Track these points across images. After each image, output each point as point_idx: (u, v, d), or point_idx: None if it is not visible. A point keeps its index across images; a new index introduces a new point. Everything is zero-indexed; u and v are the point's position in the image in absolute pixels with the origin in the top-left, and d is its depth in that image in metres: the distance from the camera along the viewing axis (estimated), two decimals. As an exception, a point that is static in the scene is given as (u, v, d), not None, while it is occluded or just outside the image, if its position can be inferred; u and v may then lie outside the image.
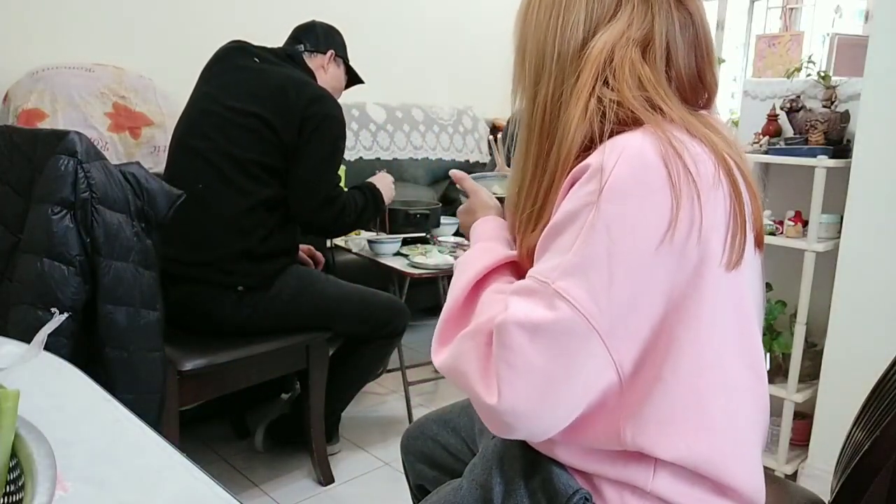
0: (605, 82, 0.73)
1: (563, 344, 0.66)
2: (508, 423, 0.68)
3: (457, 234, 2.49)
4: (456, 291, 0.80)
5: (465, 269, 0.82)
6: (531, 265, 0.74)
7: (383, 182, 2.09)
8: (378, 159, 3.09)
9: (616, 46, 0.74)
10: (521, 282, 0.72)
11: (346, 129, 1.97)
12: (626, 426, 0.71)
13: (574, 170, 0.71)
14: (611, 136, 0.71)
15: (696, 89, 0.77)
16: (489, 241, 0.89)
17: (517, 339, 0.66)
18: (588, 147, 0.73)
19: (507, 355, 0.67)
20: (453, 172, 1.09)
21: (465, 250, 1.24)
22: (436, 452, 1.13)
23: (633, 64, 0.73)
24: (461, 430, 1.11)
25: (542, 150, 0.78)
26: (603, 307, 0.65)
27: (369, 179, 2.09)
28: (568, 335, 0.66)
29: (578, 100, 0.74)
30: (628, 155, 0.67)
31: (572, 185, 0.70)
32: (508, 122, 2.20)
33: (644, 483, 0.74)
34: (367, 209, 1.99)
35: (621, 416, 0.71)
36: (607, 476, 0.75)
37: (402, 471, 1.21)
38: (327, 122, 1.84)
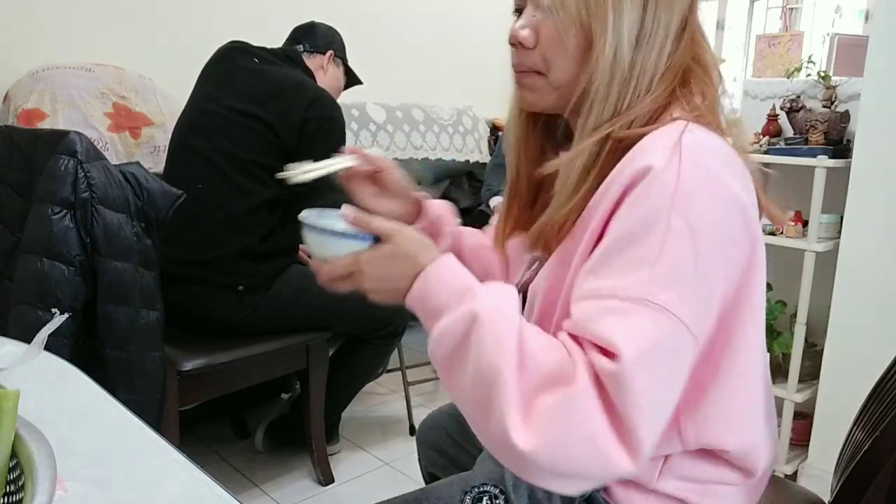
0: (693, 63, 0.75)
1: (673, 362, 0.62)
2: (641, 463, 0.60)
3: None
4: (508, 356, 0.62)
5: (499, 325, 0.64)
6: (548, 246, 0.75)
7: None
8: (378, 159, 3.08)
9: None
10: (597, 305, 0.63)
11: (346, 129, 1.98)
12: (688, 425, 0.71)
13: (626, 173, 0.66)
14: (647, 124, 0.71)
15: None
16: (476, 283, 0.70)
17: (639, 377, 0.58)
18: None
19: (633, 398, 0.58)
20: (306, 235, 0.76)
21: None
22: (447, 444, 1.14)
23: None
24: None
25: (601, 116, 0.73)
26: (697, 312, 0.63)
27: None
28: (676, 352, 0.63)
29: (670, 74, 0.74)
30: (694, 152, 0.65)
31: (625, 190, 0.66)
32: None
33: (648, 481, 0.74)
34: None
35: (682, 416, 0.71)
36: None
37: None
38: (328, 123, 1.85)
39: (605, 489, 0.76)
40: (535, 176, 0.84)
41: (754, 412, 0.75)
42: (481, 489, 0.78)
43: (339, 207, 0.77)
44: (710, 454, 0.75)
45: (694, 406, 0.70)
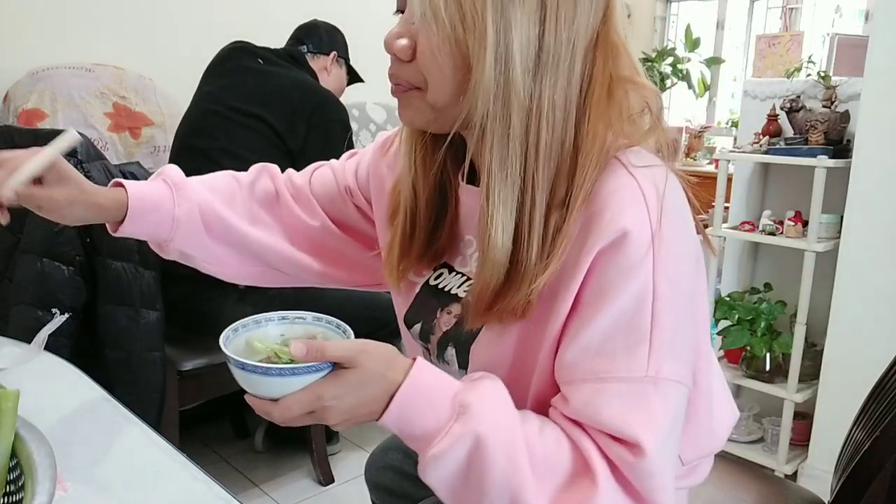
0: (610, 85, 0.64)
1: (680, 421, 0.63)
2: None
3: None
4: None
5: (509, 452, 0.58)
6: (504, 320, 0.66)
7: None
8: (378, 159, 3.09)
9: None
10: (601, 390, 0.60)
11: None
12: (684, 445, 0.71)
13: (595, 237, 0.60)
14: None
15: None
16: (462, 391, 0.61)
17: (662, 462, 0.59)
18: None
19: (659, 482, 0.58)
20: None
21: None
22: (401, 484, 1.03)
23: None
24: None
25: (545, 173, 0.62)
26: (689, 364, 0.64)
27: None
28: (682, 410, 0.63)
29: (599, 98, 0.63)
30: (657, 205, 0.61)
31: (599, 255, 0.60)
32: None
33: None
34: None
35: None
36: None
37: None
38: (332, 126, 1.85)
39: None
40: (435, 204, 0.73)
41: (718, 404, 0.78)
42: None
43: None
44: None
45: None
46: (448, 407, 0.59)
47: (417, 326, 0.79)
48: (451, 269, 0.77)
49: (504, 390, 0.62)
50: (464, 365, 0.73)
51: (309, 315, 0.68)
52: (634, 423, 0.58)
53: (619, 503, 0.58)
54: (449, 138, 0.67)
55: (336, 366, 0.59)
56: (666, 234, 0.60)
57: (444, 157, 0.71)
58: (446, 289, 0.76)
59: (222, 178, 0.91)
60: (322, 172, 0.93)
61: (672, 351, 0.61)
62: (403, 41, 0.64)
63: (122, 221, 0.81)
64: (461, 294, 0.74)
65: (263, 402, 0.59)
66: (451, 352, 0.75)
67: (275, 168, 0.95)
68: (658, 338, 0.60)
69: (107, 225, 0.83)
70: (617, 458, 0.58)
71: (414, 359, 0.62)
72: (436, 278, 0.77)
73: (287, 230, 0.91)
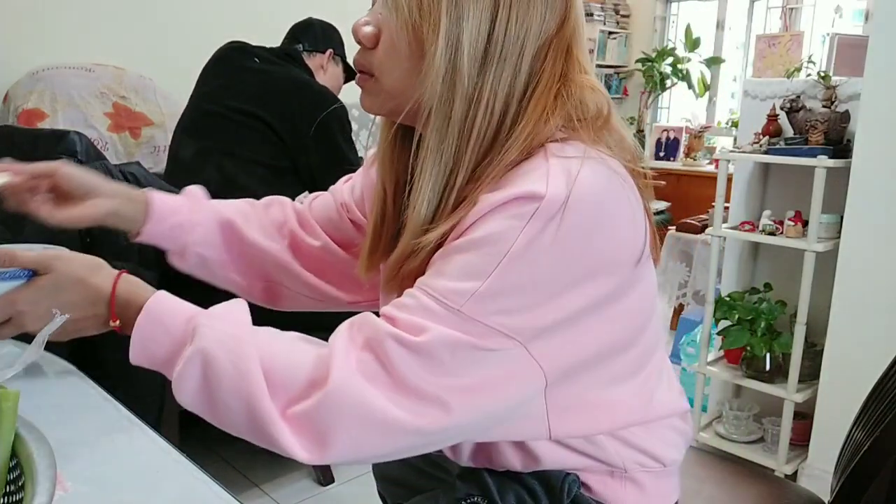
0: (564, 78, 0.66)
1: (487, 366, 0.61)
2: None
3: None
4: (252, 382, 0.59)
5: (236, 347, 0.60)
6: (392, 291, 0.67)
7: None
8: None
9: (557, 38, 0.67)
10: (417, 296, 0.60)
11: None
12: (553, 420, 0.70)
13: (494, 198, 0.60)
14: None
15: None
16: (196, 313, 0.64)
17: (443, 353, 0.59)
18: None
19: (431, 367, 0.59)
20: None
21: None
22: (407, 475, 1.02)
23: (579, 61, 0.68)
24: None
25: (473, 156, 0.65)
26: (521, 328, 0.62)
27: None
28: (496, 361, 0.61)
29: (542, 95, 0.65)
30: (586, 190, 0.59)
31: (496, 208, 0.60)
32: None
33: (616, 467, 0.75)
34: None
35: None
36: (588, 470, 0.76)
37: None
38: (331, 123, 1.85)
39: (583, 484, 0.76)
40: (399, 196, 0.75)
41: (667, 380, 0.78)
42: (468, 500, 0.77)
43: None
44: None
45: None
46: (182, 331, 0.62)
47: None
48: None
49: (241, 308, 0.64)
50: None
51: (39, 245, 0.71)
52: (427, 320, 0.58)
53: (359, 388, 0.57)
54: (415, 134, 0.70)
55: (35, 275, 0.64)
56: (558, 219, 0.58)
57: (406, 150, 0.74)
58: None
59: (238, 201, 0.96)
60: (322, 197, 0.98)
61: (504, 307, 0.58)
62: (370, 28, 0.68)
63: (142, 226, 0.87)
64: None
65: None
66: None
67: (286, 199, 0.99)
68: (490, 285, 0.58)
69: (128, 234, 0.88)
70: (387, 334, 0.58)
71: (124, 271, 0.67)
72: None
73: (293, 250, 0.94)
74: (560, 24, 0.67)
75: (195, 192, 0.93)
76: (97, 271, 0.67)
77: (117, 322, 0.66)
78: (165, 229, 0.87)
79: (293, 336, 0.65)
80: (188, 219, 0.88)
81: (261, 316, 0.68)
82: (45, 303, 0.64)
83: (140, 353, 0.64)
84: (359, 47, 0.70)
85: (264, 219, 0.94)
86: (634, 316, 0.68)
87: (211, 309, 0.64)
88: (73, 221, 0.82)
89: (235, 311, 0.64)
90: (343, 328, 0.62)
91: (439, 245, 0.65)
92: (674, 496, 0.82)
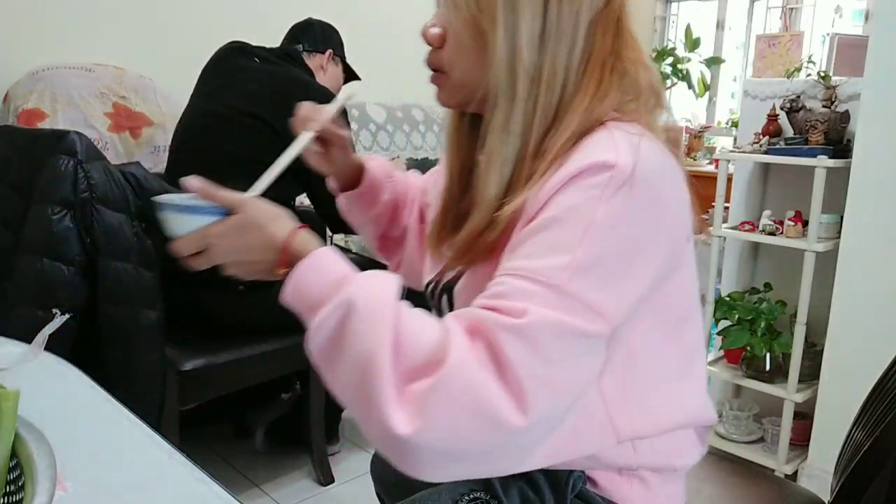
0: (618, 54, 0.71)
1: (577, 348, 0.63)
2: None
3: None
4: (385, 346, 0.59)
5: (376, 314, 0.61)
6: (474, 261, 0.72)
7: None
8: (378, 159, 3.09)
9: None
10: (512, 283, 0.62)
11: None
12: (618, 418, 0.71)
13: (567, 169, 0.64)
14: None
15: None
16: (353, 272, 0.67)
17: (545, 335, 0.60)
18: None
19: (533, 355, 0.59)
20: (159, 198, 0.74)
21: None
22: (404, 477, 1.05)
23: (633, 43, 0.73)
24: None
25: (539, 130, 0.70)
26: (617, 307, 0.65)
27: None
28: (582, 340, 0.63)
29: (596, 67, 0.70)
30: (651, 162, 0.64)
31: (571, 180, 0.64)
32: None
33: (627, 464, 0.75)
34: None
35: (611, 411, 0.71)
36: (595, 467, 0.76)
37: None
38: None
39: (590, 479, 0.76)
40: (464, 179, 0.81)
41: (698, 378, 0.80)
42: (471, 496, 0.77)
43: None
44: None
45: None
46: (336, 282, 0.64)
47: (431, 286, 0.85)
48: None
49: (395, 279, 0.65)
50: (452, 309, 0.77)
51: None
52: (526, 301, 0.59)
53: (472, 373, 0.57)
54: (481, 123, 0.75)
55: (228, 214, 0.69)
56: (628, 187, 0.62)
57: (474, 137, 0.79)
58: None
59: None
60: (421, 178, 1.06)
61: (598, 281, 0.60)
62: (436, 29, 0.76)
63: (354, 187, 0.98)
64: None
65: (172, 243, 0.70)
66: (444, 299, 0.81)
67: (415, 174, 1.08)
68: (582, 258, 0.60)
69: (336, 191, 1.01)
70: (500, 323, 0.58)
71: (305, 226, 0.70)
72: None
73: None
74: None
75: (387, 168, 1.01)
76: (276, 220, 0.70)
77: (284, 271, 0.68)
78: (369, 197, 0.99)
79: (425, 313, 0.65)
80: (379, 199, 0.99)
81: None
82: (230, 238, 0.69)
83: (292, 292, 0.66)
84: (429, 49, 0.77)
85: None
86: (681, 298, 0.73)
87: (367, 272, 0.66)
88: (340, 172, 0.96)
89: (387, 279, 0.65)
90: (449, 318, 0.63)
91: (511, 221, 0.68)
92: (680, 499, 0.82)
